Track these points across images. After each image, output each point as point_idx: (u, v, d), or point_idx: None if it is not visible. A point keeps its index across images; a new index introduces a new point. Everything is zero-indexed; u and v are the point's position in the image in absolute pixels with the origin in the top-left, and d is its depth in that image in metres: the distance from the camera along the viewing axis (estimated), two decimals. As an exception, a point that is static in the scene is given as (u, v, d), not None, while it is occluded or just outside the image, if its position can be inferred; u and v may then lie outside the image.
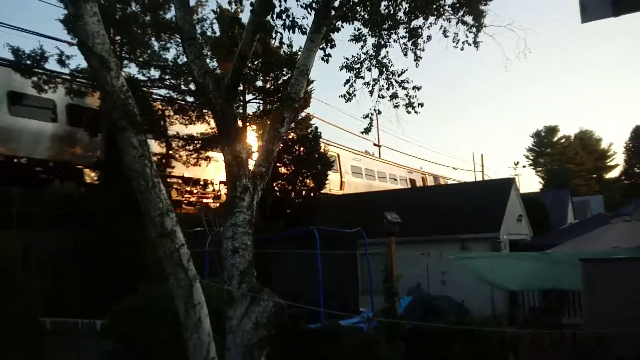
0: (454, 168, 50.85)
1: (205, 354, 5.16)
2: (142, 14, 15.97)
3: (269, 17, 6.84)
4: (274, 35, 7.98)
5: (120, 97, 5.11)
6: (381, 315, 9.72)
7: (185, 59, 16.27)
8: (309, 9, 7.69)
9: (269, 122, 9.42)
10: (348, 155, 29.15)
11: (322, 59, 7.88)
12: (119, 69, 5.37)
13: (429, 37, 10.14)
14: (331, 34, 8.15)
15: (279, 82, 18.47)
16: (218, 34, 17.18)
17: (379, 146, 41.14)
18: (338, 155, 27.54)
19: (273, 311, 5.35)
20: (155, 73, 17.14)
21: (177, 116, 18.01)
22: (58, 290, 12.95)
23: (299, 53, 16.54)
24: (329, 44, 7.96)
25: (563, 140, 75.10)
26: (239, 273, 5.53)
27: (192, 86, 16.91)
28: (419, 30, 9.90)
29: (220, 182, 20.97)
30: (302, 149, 18.43)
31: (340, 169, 27.74)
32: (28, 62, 14.14)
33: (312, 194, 18.47)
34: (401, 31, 10.01)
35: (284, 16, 7.29)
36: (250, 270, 5.65)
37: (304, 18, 7.59)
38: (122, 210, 13.12)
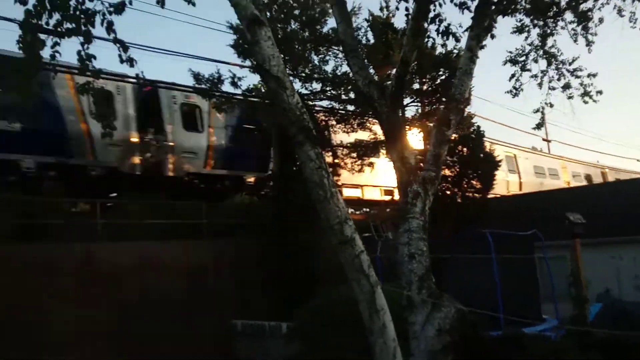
0: (638, 160, 45.50)
1: (392, 359, 5.21)
2: (301, 30, 16.73)
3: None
4: (427, 39, 7.96)
5: (296, 113, 5.37)
6: (569, 323, 9.01)
7: (344, 69, 16.80)
8: (465, 9, 7.55)
9: (434, 126, 9.33)
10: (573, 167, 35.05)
11: (470, 58, 7.64)
12: (293, 88, 5.68)
13: (600, 20, 9.35)
14: (492, 28, 7.88)
15: (436, 82, 18.16)
16: (372, 41, 17.40)
17: (548, 141, 38.34)
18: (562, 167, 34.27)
19: (455, 317, 5.27)
20: (317, 86, 17.88)
21: (340, 125, 18.60)
22: (242, 294, 14.07)
23: (454, 52, 16.18)
24: (478, 44, 7.69)
25: None
26: (418, 279, 5.55)
27: (352, 95, 17.29)
28: (589, 13, 9.19)
29: (385, 188, 21.19)
30: (465, 149, 17.85)
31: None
32: (207, 85, 15.54)
33: (478, 196, 17.75)
34: (569, 16, 9.34)
35: (437, 20, 7.25)
36: (428, 276, 5.64)
37: (459, 26, 7.49)
38: (295, 218, 13.89)
